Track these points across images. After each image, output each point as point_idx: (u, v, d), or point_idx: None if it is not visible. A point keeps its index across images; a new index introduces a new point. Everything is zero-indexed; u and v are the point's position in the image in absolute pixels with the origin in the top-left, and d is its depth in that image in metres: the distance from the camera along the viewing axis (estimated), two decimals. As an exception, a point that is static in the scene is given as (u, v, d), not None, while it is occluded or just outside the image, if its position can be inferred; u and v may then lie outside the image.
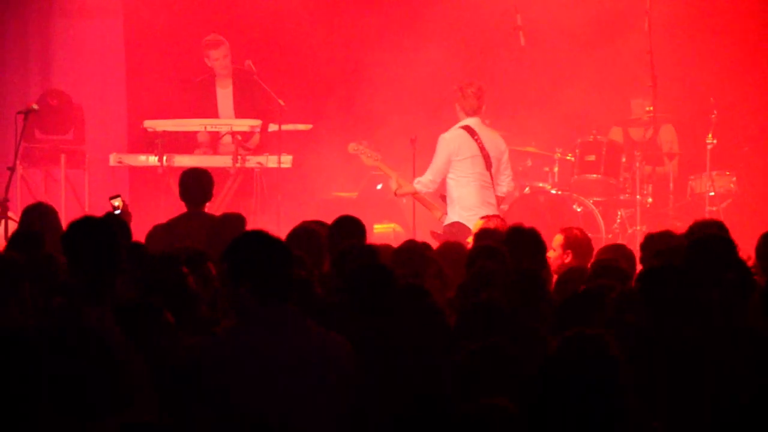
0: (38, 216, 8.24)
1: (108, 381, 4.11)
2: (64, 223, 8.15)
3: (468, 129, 10.54)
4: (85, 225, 5.44)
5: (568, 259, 8.23)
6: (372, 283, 5.52)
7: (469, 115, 10.61)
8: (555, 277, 7.57)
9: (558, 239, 8.62)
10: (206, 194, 8.76)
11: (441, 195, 10.52)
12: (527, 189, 11.99)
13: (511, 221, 10.51)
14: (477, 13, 12.96)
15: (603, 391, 3.59)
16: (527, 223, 10.03)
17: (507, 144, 12.20)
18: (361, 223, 7.54)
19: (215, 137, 12.22)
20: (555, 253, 8.32)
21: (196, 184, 8.72)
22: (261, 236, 4.79)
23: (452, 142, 10.47)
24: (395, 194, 10.65)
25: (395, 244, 8.54)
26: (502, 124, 12.24)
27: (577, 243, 8.36)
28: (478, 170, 10.47)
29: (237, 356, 4.57)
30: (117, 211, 8.46)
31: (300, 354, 4.60)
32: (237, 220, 8.02)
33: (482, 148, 10.52)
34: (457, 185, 10.40)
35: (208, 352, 4.60)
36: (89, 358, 4.08)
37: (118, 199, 8.48)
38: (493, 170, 10.51)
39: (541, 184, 12.00)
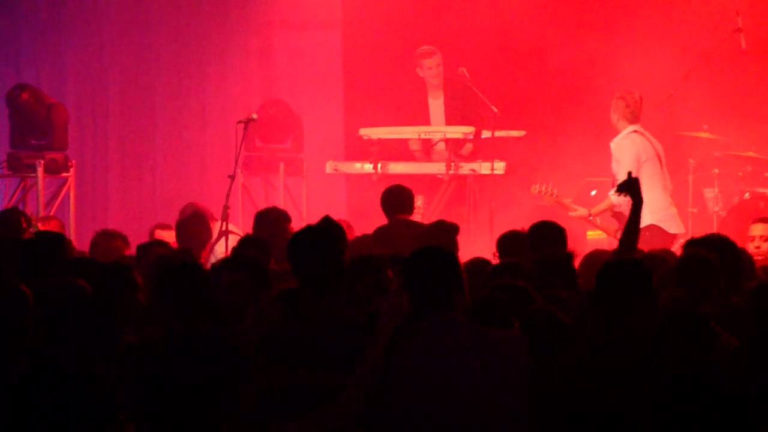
0: (270, 221, 8.48)
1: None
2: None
3: (639, 132, 10.52)
4: (308, 234, 5.48)
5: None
6: None
7: (631, 122, 10.59)
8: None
9: (758, 228, 8.54)
10: (408, 207, 8.88)
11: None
12: (747, 195, 11.69)
13: (728, 228, 10.30)
14: (695, 16, 12.70)
15: None
16: (746, 230, 9.85)
17: (725, 149, 11.96)
18: (561, 228, 7.42)
19: (428, 144, 12.33)
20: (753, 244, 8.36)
21: (397, 197, 8.87)
22: (427, 252, 4.99)
23: (634, 144, 10.46)
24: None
25: (610, 248, 8.46)
26: (721, 130, 11.97)
27: None
28: (657, 172, 10.44)
29: (405, 366, 4.72)
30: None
31: (465, 356, 4.69)
32: (450, 227, 8.05)
33: (656, 150, 10.45)
34: (644, 189, 10.24)
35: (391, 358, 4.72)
36: None
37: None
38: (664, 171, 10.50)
39: (761, 190, 11.67)
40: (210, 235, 9.16)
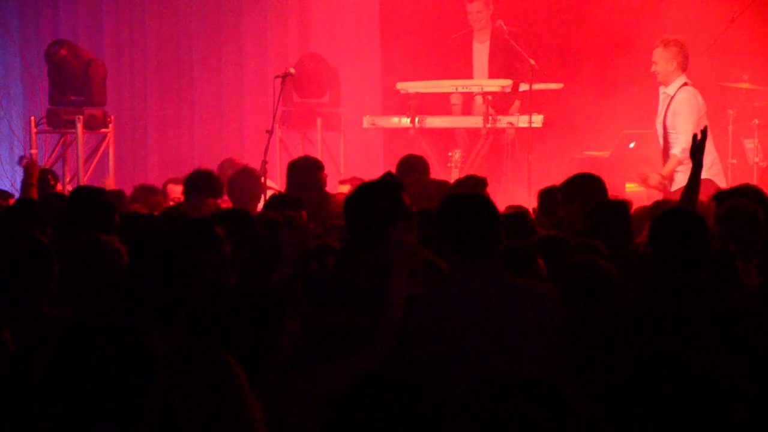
0: (302, 169, 8.47)
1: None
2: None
3: (692, 84, 10.20)
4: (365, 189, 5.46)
5: None
6: None
7: (684, 71, 10.22)
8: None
9: None
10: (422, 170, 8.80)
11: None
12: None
13: (769, 180, 10.22)
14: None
15: None
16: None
17: (766, 100, 11.83)
18: (600, 180, 7.33)
19: (469, 97, 12.28)
20: None
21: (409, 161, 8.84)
22: (461, 198, 5.01)
23: (695, 97, 10.09)
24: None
25: (648, 203, 8.43)
26: (762, 80, 11.87)
27: None
28: (707, 124, 10.02)
29: (439, 312, 4.70)
30: None
31: (500, 303, 4.65)
32: (478, 181, 8.00)
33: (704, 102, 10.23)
34: None
35: (416, 309, 4.72)
36: None
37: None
38: None
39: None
40: (261, 191, 9.16)
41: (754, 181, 10.47)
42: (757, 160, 11.73)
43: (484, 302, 4.67)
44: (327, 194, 8.55)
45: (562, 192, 7.22)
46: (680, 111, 10.09)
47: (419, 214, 5.45)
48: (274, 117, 11.36)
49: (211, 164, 11.04)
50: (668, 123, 10.18)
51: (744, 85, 11.88)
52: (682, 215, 5.16)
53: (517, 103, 12.05)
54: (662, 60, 10.19)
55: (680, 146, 9.92)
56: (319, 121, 12.63)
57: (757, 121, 11.79)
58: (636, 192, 11.09)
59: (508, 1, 12.76)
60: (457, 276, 4.78)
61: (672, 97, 10.19)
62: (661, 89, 10.31)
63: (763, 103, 11.90)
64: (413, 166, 8.68)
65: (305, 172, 8.48)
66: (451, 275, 4.92)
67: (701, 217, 5.10)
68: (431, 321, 4.68)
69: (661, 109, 10.29)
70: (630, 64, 12.50)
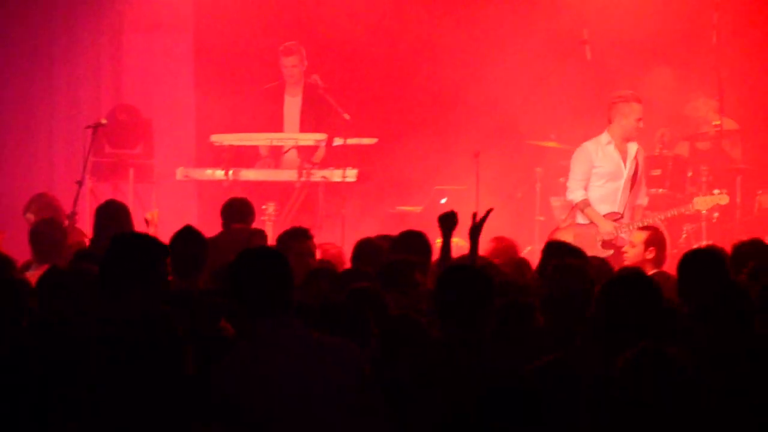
0: (111, 214, 8.34)
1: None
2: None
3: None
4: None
5: (650, 256, 8.74)
6: None
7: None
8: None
9: (640, 236, 8.83)
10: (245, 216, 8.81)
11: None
12: (592, 204, 11.92)
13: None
14: (544, 28, 12.94)
15: None
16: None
17: (571, 159, 12.20)
18: (426, 237, 7.52)
19: (280, 151, 12.32)
20: (636, 249, 8.63)
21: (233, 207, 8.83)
22: (253, 253, 4.79)
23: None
24: None
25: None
26: (568, 139, 12.21)
27: (659, 241, 8.85)
28: None
29: (239, 373, 4.54)
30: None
31: (299, 359, 4.52)
32: (303, 232, 8.02)
33: None
34: None
35: (217, 371, 4.57)
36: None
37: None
38: None
39: (605, 199, 11.91)
40: (65, 241, 8.97)
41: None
42: (563, 217, 12.05)
43: (282, 360, 4.53)
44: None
45: (393, 247, 7.38)
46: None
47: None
48: (84, 168, 11.19)
49: (20, 214, 10.80)
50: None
51: (551, 144, 12.22)
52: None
53: (320, 152, 12.12)
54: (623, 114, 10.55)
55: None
56: (131, 172, 12.47)
57: (563, 180, 12.13)
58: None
59: (322, 56, 12.86)
60: (252, 335, 4.61)
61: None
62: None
63: (569, 162, 12.25)
64: (241, 212, 8.65)
65: (113, 217, 8.33)
66: (245, 335, 4.72)
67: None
68: (232, 386, 4.51)
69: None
70: (445, 122, 12.75)
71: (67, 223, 9.95)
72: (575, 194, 10.58)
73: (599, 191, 10.52)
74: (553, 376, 4.73)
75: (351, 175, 11.73)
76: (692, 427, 4.13)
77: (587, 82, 12.76)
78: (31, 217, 9.57)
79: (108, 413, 4.24)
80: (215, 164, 12.11)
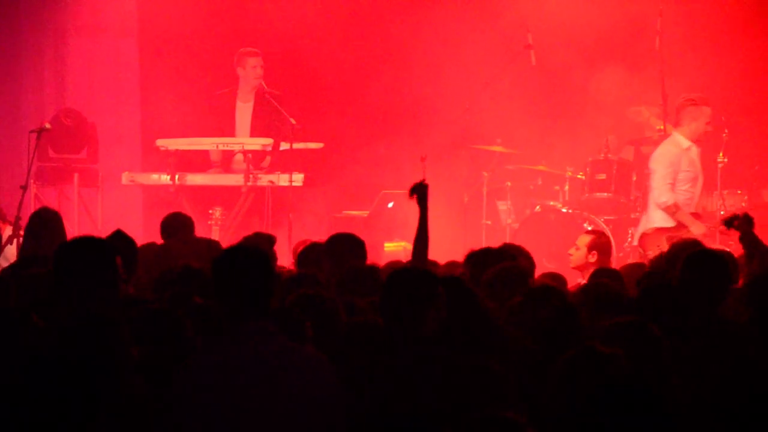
0: (41, 222, 8.19)
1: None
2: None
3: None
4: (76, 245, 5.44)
5: (593, 260, 8.89)
6: None
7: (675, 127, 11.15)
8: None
9: (584, 239, 8.91)
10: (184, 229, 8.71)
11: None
12: (538, 207, 12.02)
13: (521, 239, 10.58)
14: (488, 33, 13.00)
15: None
16: (538, 242, 10.17)
17: (517, 163, 12.24)
18: (358, 239, 7.46)
19: (228, 155, 12.29)
20: (579, 252, 8.75)
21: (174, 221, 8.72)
22: (235, 252, 4.67)
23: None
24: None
25: (405, 260, 8.57)
26: (513, 143, 12.28)
27: (602, 245, 9.02)
28: None
29: (206, 374, 4.46)
30: None
31: (272, 370, 4.44)
32: (267, 238, 8.02)
33: None
34: None
35: (179, 373, 4.50)
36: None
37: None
38: None
39: (551, 203, 12.02)
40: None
41: (507, 241, 10.80)
42: (509, 221, 12.12)
43: (255, 367, 4.45)
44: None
45: (326, 250, 7.34)
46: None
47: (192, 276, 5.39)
48: (28, 173, 11.11)
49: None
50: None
51: (497, 148, 12.28)
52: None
53: (268, 158, 12.12)
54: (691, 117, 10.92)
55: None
56: (76, 177, 12.39)
57: (509, 184, 12.21)
58: (395, 251, 11.30)
59: (267, 60, 12.82)
60: (227, 338, 4.55)
61: None
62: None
63: (515, 166, 12.32)
64: (179, 226, 8.56)
65: (44, 226, 8.20)
66: (221, 337, 4.65)
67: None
68: (196, 388, 4.45)
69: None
70: (392, 127, 12.77)
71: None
72: (666, 197, 10.85)
73: (684, 195, 10.88)
74: None
75: (298, 179, 11.73)
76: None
77: (533, 86, 12.83)
78: None
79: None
80: (162, 169, 12.05)
